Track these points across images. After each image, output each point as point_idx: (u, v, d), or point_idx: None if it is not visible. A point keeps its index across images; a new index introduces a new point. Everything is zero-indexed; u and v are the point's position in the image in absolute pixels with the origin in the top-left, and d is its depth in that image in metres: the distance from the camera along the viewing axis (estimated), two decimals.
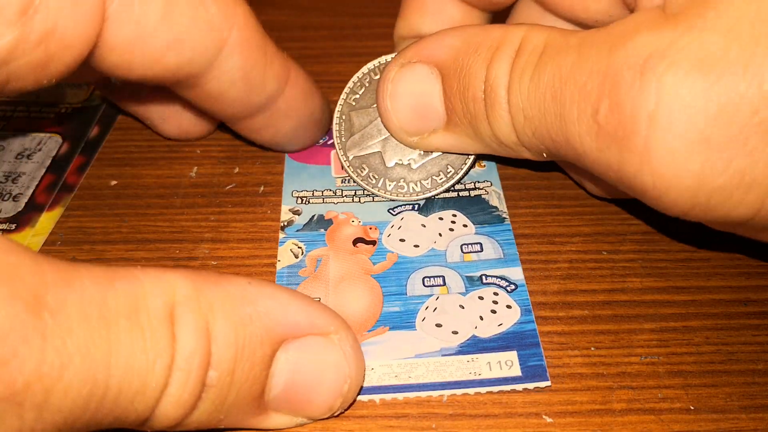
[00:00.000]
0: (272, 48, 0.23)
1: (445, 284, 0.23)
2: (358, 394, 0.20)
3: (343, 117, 0.26)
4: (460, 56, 0.21)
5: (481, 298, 0.22)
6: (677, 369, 0.21)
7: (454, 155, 0.25)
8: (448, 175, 0.25)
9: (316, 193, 0.26)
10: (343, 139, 0.26)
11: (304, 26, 0.35)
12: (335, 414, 0.19)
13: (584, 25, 0.23)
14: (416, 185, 0.25)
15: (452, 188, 0.26)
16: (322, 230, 0.25)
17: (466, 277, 0.23)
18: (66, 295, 0.14)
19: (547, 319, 0.22)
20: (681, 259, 0.24)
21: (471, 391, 0.20)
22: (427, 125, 0.23)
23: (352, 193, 0.26)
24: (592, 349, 0.21)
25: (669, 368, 0.21)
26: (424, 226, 0.25)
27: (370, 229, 0.25)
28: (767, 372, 0.21)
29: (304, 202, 0.26)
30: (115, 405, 0.15)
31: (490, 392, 0.20)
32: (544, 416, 0.20)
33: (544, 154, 0.21)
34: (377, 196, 0.26)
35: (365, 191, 0.26)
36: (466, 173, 0.25)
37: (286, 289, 0.19)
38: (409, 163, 0.25)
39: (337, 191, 0.26)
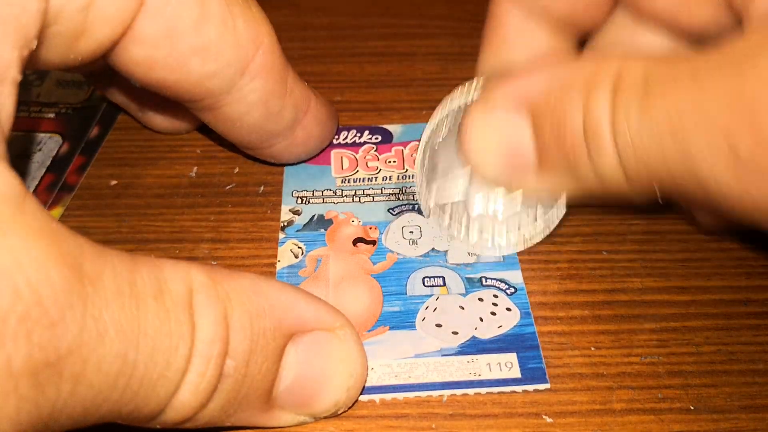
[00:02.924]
0: (293, 76, 0.23)
1: (445, 285, 0.23)
2: (361, 392, 0.20)
3: (426, 161, 0.24)
4: (551, 95, 0.20)
5: (480, 299, 0.22)
6: (677, 369, 0.21)
7: (543, 208, 0.23)
8: (538, 230, 0.23)
9: (316, 193, 0.26)
10: (425, 184, 0.24)
11: (304, 26, 0.35)
12: (339, 412, 0.19)
13: (686, 34, 0.22)
14: (501, 239, 0.23)
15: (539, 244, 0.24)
16: (322, 230, 0.25)
17: (466, 278, 0.23)
18: (102, 268, 0.14)
19: (547, 319, 0.22)
20: (681, 259, 0.24)
21: (471, 391, 0.20)
22: (519, 171, 0.21)
23: (352, 192, 0.26)
24: (592, 349, 0.21)
25: (669, 368, 0.21)
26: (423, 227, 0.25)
27: (370, 228, 0.25)
28: (767, 372, 0.21)
29: (304, 202, 0.26)
30: (140, 387, 0.15)
31: (490, 392, 0.20)
32: (544, 416, 0.20)
33: (659, 195, 0.19)
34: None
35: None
36: (554, 231, 0.23)
37: (292, 285, 0.19)
38: (494, 214, 0.23)
39: (337, 191, 0.26)
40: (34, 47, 0.16)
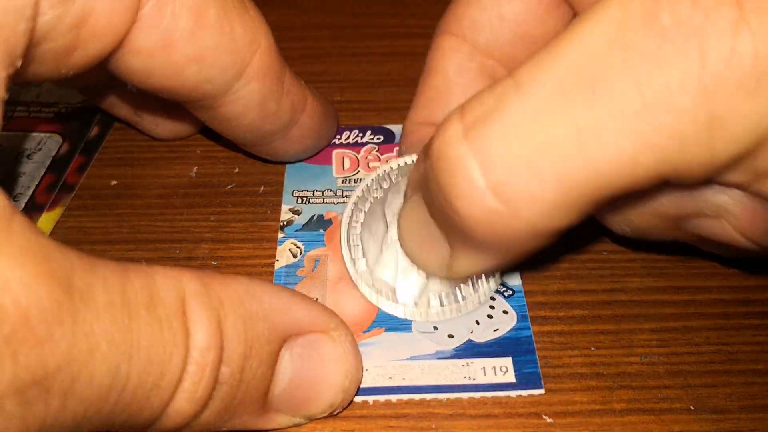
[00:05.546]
0: (290, 76, 0.23)
1: None
2: (356, 392, 0.20)
3: (352, 240, 0.23)
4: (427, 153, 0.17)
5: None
6: (677, 369, 0.21)
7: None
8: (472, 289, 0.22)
9: (316, 193, 0.26)
10: (354, 264, 0.23)
11: (304, 26, 0.35)
12: (334, 413, 0.19)
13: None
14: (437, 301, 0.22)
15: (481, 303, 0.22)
16: (322, 230, 0.25)
17: None
18: (92, 281, 0.14)
19: (547, 319, 0.22)
20: (681, 259, 0.24)
21: (464, 395, 0.20)
22: (438, 253, 0.20)
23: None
24: (592, 349, 0.21)
25: (669, 368, 0.21)
26: None
27: None
28: (767, 372, 0.21)
29: (304, 201, 0.26)
30: (133, 398, 0.15)
31: (484, 397, 0.20)
32: (544, 416, 0.20)
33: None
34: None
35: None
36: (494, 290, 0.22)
37: (286, 288, 0.19)
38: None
39: (338, 191, 0.26)
40: (19, 66, 0.16)
